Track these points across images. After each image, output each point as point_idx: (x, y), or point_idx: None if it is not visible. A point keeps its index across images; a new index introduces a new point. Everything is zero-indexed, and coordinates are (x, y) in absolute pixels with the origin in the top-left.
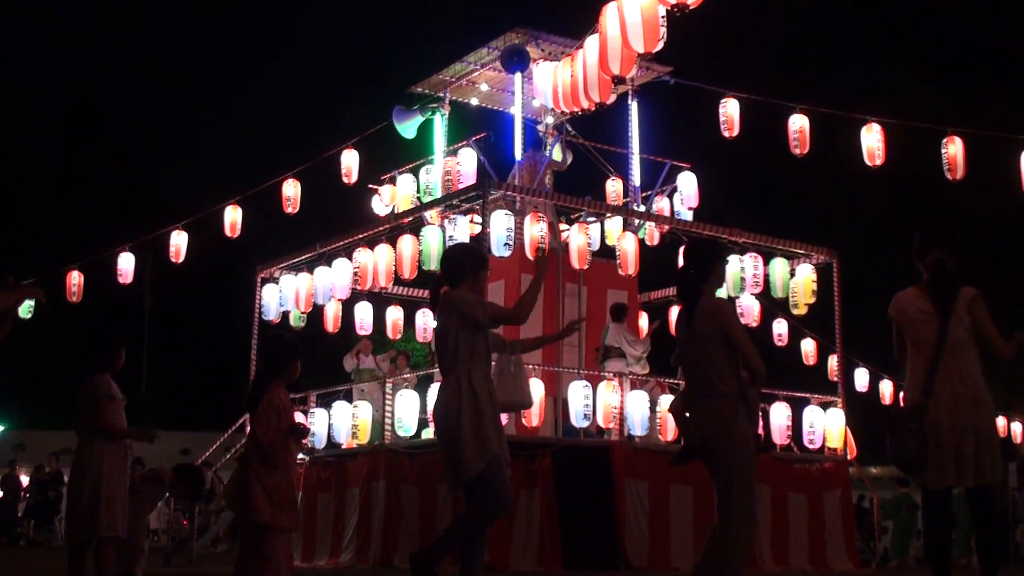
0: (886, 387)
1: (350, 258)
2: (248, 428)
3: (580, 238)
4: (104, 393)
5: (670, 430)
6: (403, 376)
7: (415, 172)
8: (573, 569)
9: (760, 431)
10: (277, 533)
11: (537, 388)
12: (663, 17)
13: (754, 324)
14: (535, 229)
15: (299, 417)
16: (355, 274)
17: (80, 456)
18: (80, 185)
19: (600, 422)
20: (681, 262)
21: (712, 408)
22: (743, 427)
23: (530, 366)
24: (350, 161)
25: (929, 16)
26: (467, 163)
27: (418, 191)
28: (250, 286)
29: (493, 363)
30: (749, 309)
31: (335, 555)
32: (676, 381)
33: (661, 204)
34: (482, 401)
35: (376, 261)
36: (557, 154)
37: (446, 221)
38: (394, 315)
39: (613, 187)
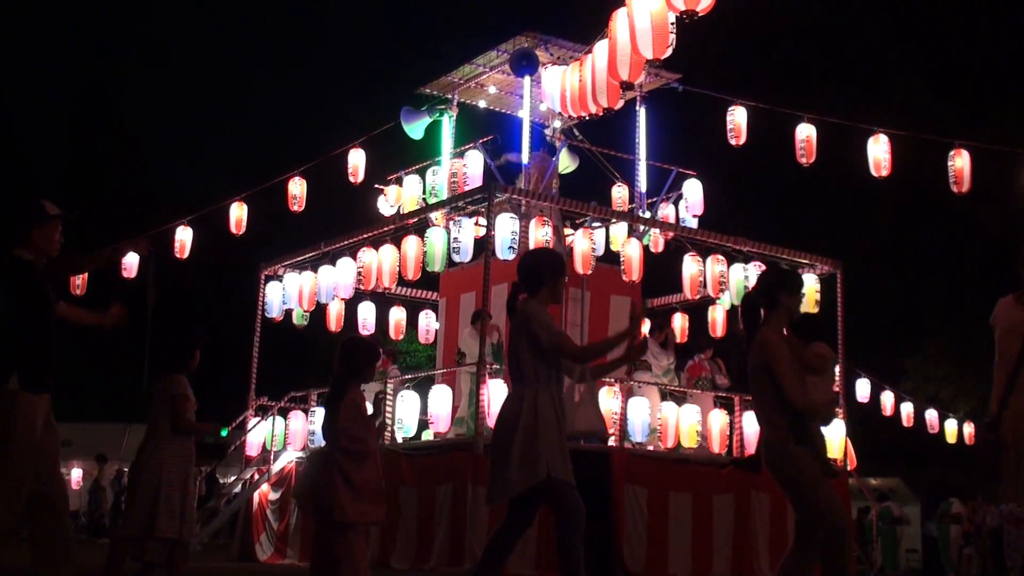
0: (887, 398)
1: (354, 258)
2: (325, 428)
3: (584, 243)
4: (181, 393)
5: (670, 437)
6: (403, 377)
7: (421, 173)
8: None
9: (835, 455)
10: (359, 529)
11: None
12: (672, 24)
13: None
14: (540, 233)
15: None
16: (359, 274)
17: (143, 454)
18: (86, 177)
19: None
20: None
21: (768, 441)
22: (796, 458)
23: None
24: (357, 160)
25: (939, 28)
26: (474, 165)
27: (424, 192)
28: (254, 283)
29: (565, 388)
30: None
31: None
32: (684, 390)
33: (666, 211)
34: (543, 423)
35: (380, 261)
36: (564, 161)
37: (451, 223)
38: (397, 316)
39: (619, 193)
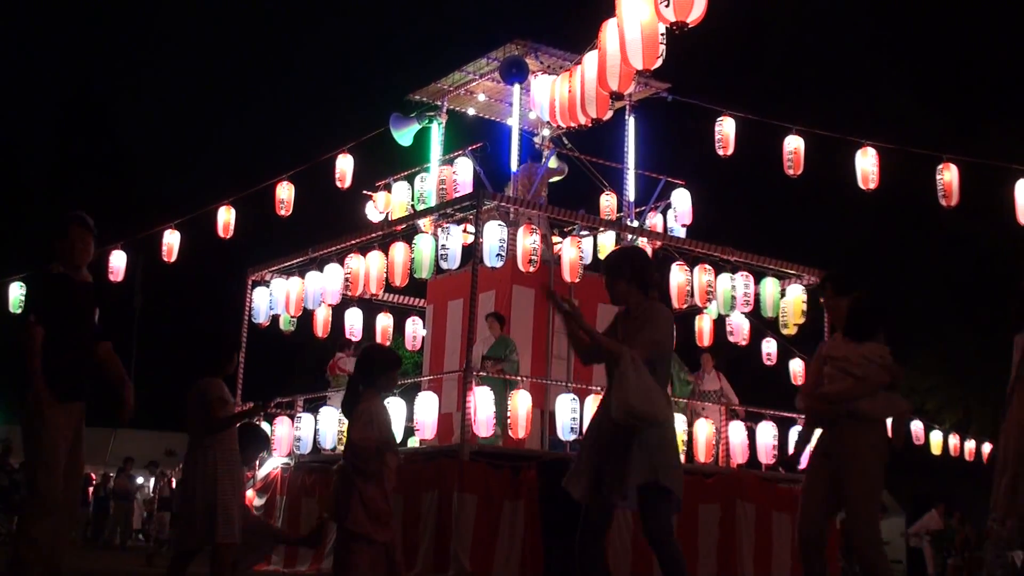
0: None
1: (342, 263)
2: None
3: (572, 251)
4: (216, 396)
5: None
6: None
7: (410, 180)
8: None
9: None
10: (371, 543)
11: (524, 400)
12: (662, 35)
13: (743, 343)
14: (528, 241)
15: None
16: (346, 280)
17: (191, 461)
18: (74, 180)
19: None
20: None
21: None
22: None
23: (518, 378)
24: (345, 166)
25: (929, 41)
26: (463, 172)
27: (412, 199)
28: (241, 288)
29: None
30: (739, 328)
31: (317, 561)
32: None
33: (654, 220)
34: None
35: (368, 267)
36: (553, 163)
37: (439, 230)
38: (384, 322)
39: (607, 201)
